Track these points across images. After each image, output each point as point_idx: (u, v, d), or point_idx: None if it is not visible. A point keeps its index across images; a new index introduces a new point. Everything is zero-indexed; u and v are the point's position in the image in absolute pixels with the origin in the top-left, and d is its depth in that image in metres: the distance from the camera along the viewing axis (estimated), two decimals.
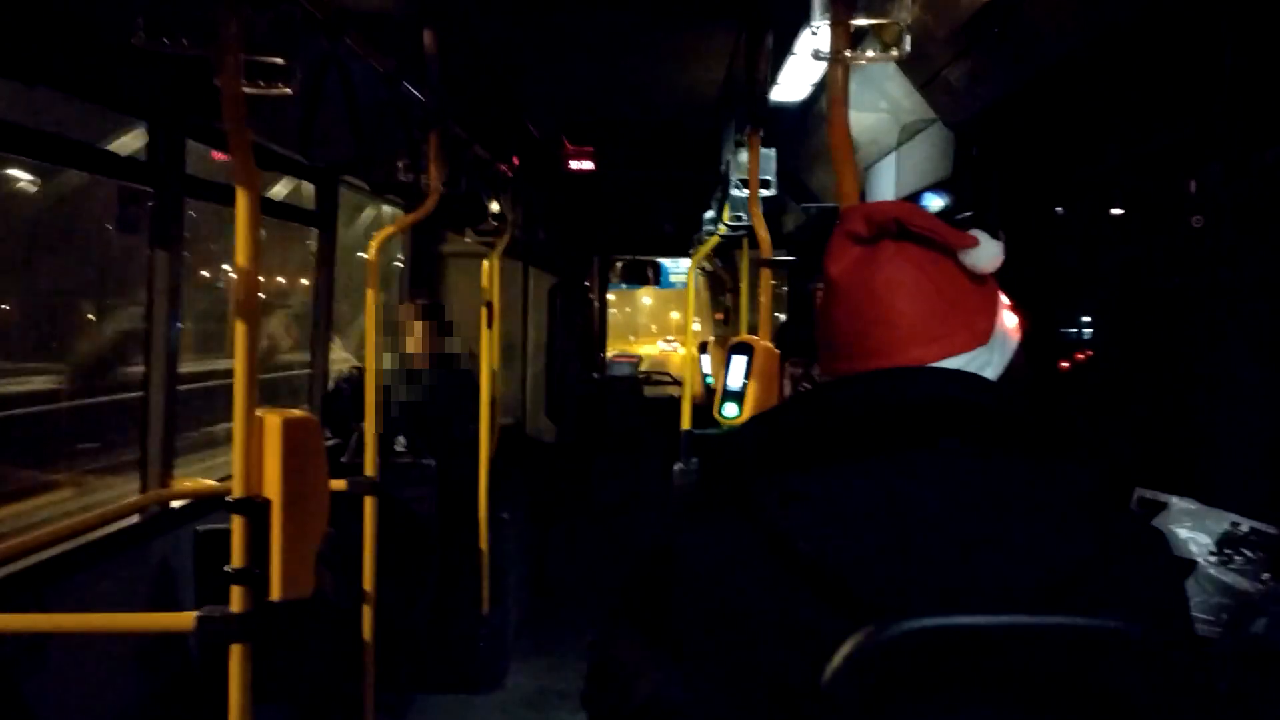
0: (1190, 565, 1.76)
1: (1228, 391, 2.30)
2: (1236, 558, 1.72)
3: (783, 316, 7.48)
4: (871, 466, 0.98)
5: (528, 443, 7.00)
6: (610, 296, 9.13)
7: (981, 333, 1.09)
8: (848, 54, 1.81)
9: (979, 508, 0.96)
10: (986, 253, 1.09)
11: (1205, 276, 2.44)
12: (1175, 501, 1.89)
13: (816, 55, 1.82)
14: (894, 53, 1.83)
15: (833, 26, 1.81)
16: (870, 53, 1.85)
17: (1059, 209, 3.37)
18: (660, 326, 50.40)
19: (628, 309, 9.72)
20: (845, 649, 0.89)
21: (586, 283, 8.82)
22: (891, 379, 1.05)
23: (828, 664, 0.89)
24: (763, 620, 0.96)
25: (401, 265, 6.47)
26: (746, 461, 1.04)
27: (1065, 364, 3.05)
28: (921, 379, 1.05)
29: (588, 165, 6.67)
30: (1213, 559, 1.74)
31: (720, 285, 10.61)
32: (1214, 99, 2.20)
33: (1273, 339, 2.22)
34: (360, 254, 4.95)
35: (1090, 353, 3.17)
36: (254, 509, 1.89)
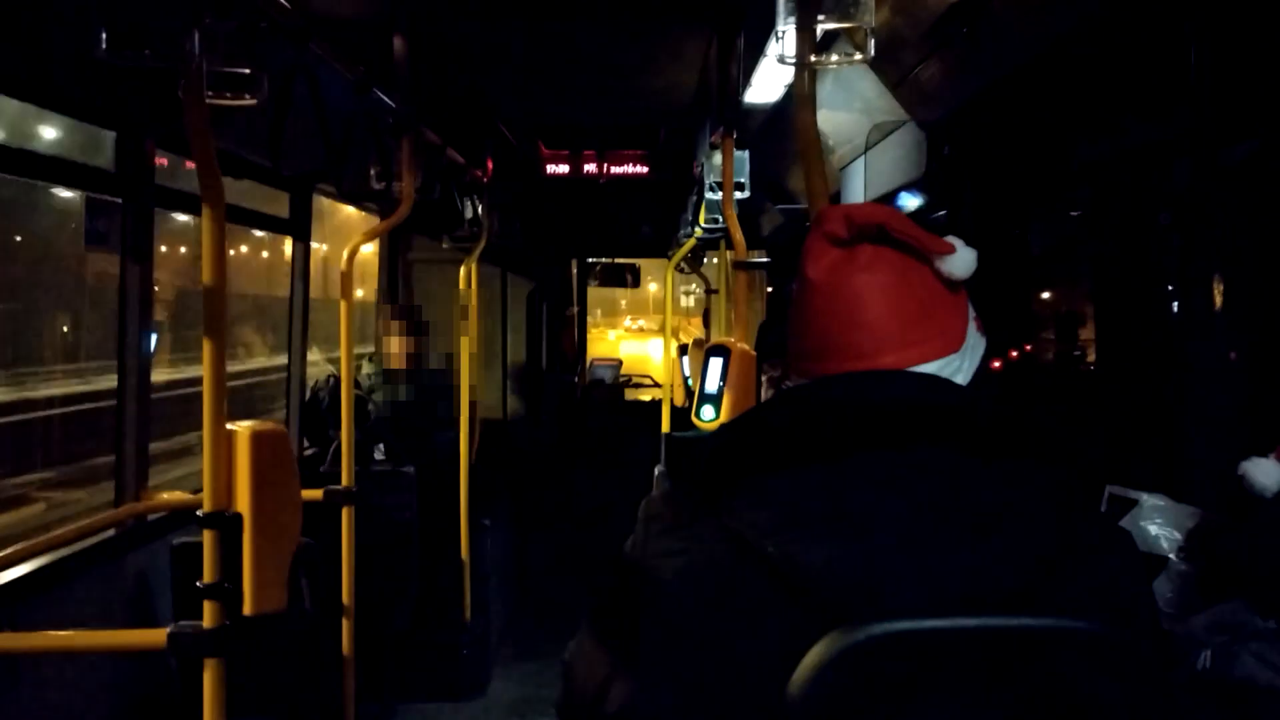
0: (1161, 561, 1.77)
1: (1198, 387, 2.31)
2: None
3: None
4: (842, 470, 0.98)
5: (508, 448, 6.98)
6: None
7: (955, 339, 1.09)
8: (813, 58, 1.82)
9: (947, 511, 0.96)
10: (962, 260, 1.09)
11: (1174, 272, 2.46)
12: (1146, 498, 1.91)
13: (783, 60, 1.82)
14: (859, 56, 1.83)
15: (798, 31, 1.81)
16: (836, 56, 1.86)
17: (1031, 207, 3.39)
18: (631, 304, 42.12)
19: (592, 280, 9.17)
20: (811, 657, 0.89)
21: (565, 287, 8.81)
22: (865, 382, 1.05)
23: (795, 670, 0.89)
24: (731, 628, 0.96)
25: None
26: (715, 466, 1.04)
27: (997, 362, 3.04)
28: (895, 383, 1.05)
29: (563, 169, 6.66)
30: (1183, 554, 1.75)
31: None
32: (1181, 97, 2.22)
33: (1242, 333, 2.24)
34: None
35: (1027, 348, 3.18)
36: (225, 523, 1.88)
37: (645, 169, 6.71)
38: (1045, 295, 3.77)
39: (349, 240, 3.65)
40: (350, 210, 5.49)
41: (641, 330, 35.69)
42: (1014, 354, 3.16)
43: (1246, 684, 1.50)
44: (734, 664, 0.95)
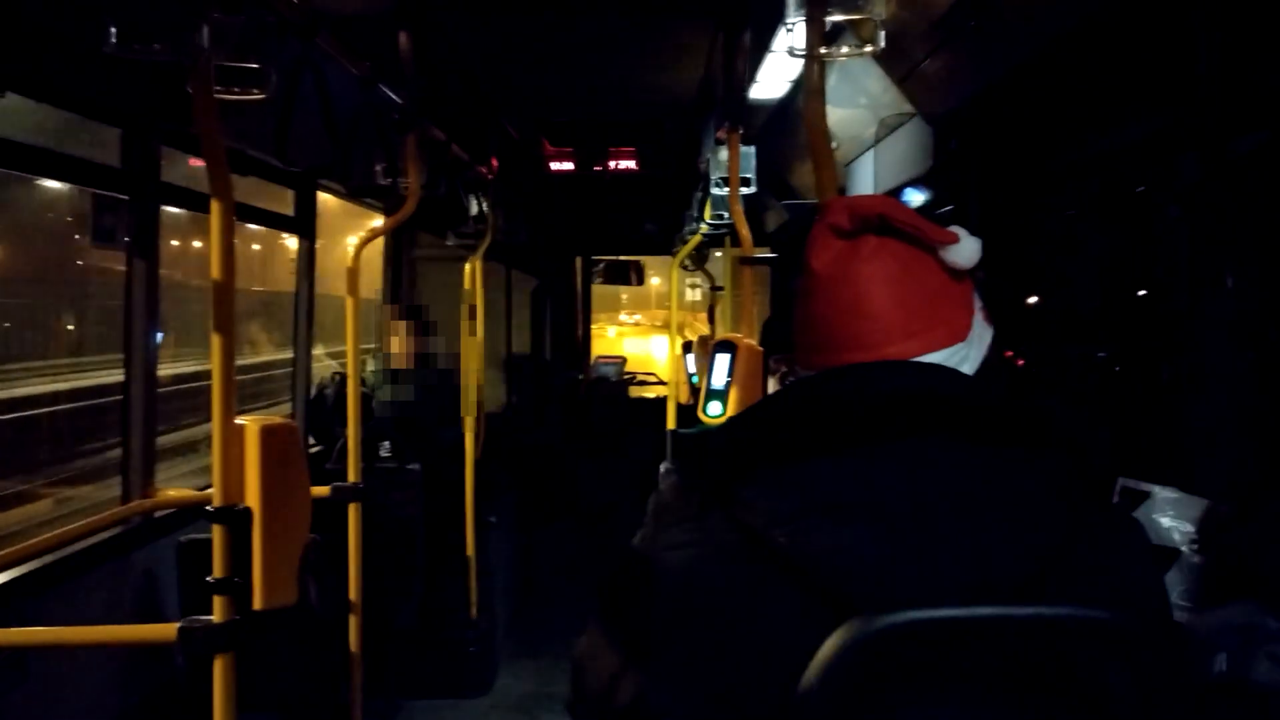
0: (1174, 554, 1.76)
1: (1209, 379, 2.31)
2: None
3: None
4: (850, 460, 0.98)
5: (513, 445, 6.98)
6: None
7: (960, 328, 1.09)
8: (823, 50, 1.81)
9: (956, 500, 0.96)
10: (966, 249, 1.09)
11: (1183, 264, 2.44)
12: (1158, 490, 1.90)
13: (792, 52, 1.82)
14: (869, 48, 1.83)
15: (807, 23, 1.80)
16: (845, 48, 1.85)
17: (1038, 201, 3.38)
18: (633, 300, 41.69)
19: (596, 277, 8.64)
20: (826, 648, 0.88)
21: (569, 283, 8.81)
22: (871, 373, 1.05)
23: (808, 661, 0.89)
24: (742, 618, 0.95)
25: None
26: (724, 458, 1.04)
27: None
28: (901, 373, 1.05)
29: (568, 166, 6.66)
30: (1195, 547, 1.75)
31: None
32: (1188, 89, 2.21)
33: (1252, 324, 2.23)
34: None
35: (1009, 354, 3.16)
36: (234, 518, 1.88)
37: (649, 166, 6.71)
38: (1050, 292, 3.76)
39: (332, 235, 3.64)
40: (332, 202, 5.45)
41: (638, 325, 34.88)
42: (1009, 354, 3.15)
43: (1266, 688, 1.49)
44: (745, 655, 0.94)
